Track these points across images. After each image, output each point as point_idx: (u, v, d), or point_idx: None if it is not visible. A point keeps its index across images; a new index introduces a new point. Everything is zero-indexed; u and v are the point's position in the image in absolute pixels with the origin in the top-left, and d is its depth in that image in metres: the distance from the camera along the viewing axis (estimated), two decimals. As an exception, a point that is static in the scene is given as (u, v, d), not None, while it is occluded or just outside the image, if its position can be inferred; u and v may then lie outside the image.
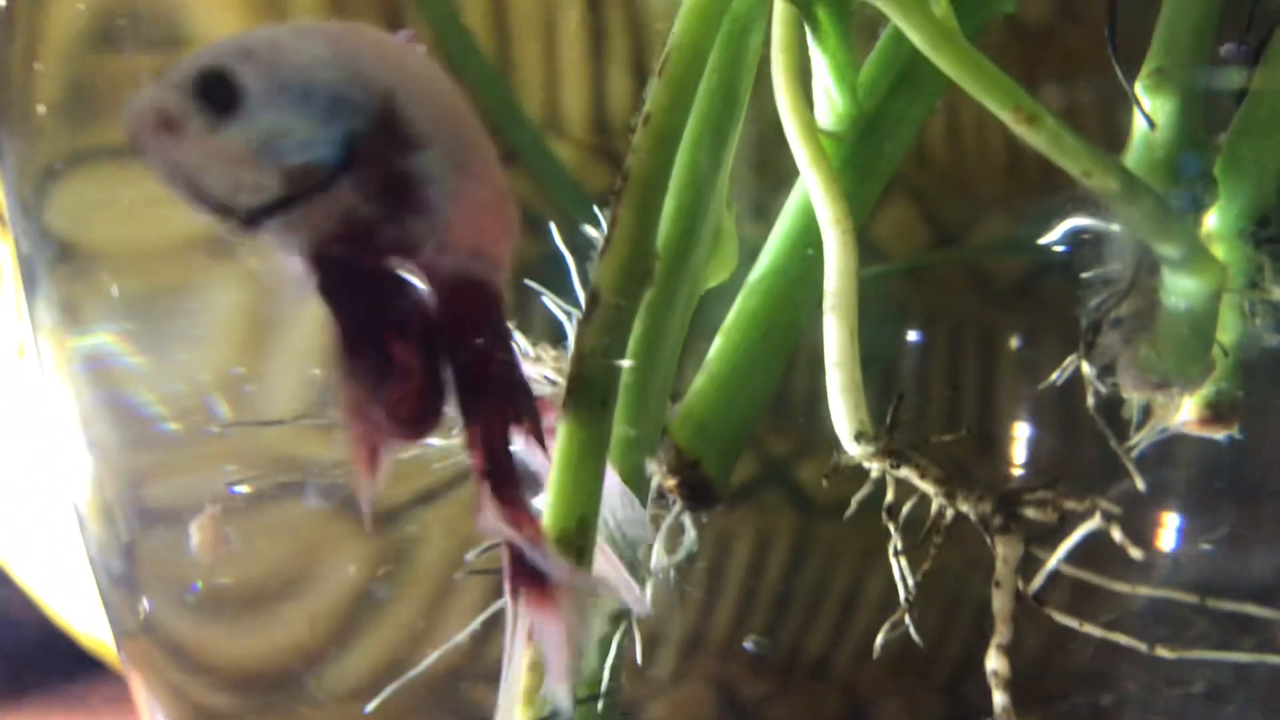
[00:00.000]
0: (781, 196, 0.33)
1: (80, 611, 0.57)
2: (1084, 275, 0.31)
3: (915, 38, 0.26)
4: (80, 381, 0.40)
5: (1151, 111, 0.29)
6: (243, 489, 0.37)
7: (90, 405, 0.40)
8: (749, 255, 0.33)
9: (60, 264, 0.40)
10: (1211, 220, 0.30)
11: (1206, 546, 0.34)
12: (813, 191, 0.30)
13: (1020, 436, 0.39)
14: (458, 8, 0.38)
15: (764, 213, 0.35)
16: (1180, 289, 0.28)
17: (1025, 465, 0.38)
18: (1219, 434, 0.32)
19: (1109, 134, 0.32)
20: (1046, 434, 0.38)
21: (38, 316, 0.41)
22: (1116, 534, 0.25)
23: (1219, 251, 0.29)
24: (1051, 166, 0.27)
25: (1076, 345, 0.31)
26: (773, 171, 0.34)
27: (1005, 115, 0.25)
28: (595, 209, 0.31)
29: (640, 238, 0.26)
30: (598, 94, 0.39)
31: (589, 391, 0.25)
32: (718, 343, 0.31)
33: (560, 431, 0.25)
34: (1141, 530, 0.36)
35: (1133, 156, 0.29)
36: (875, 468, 0.28)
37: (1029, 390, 0.38)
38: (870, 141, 0.31)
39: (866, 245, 0.33)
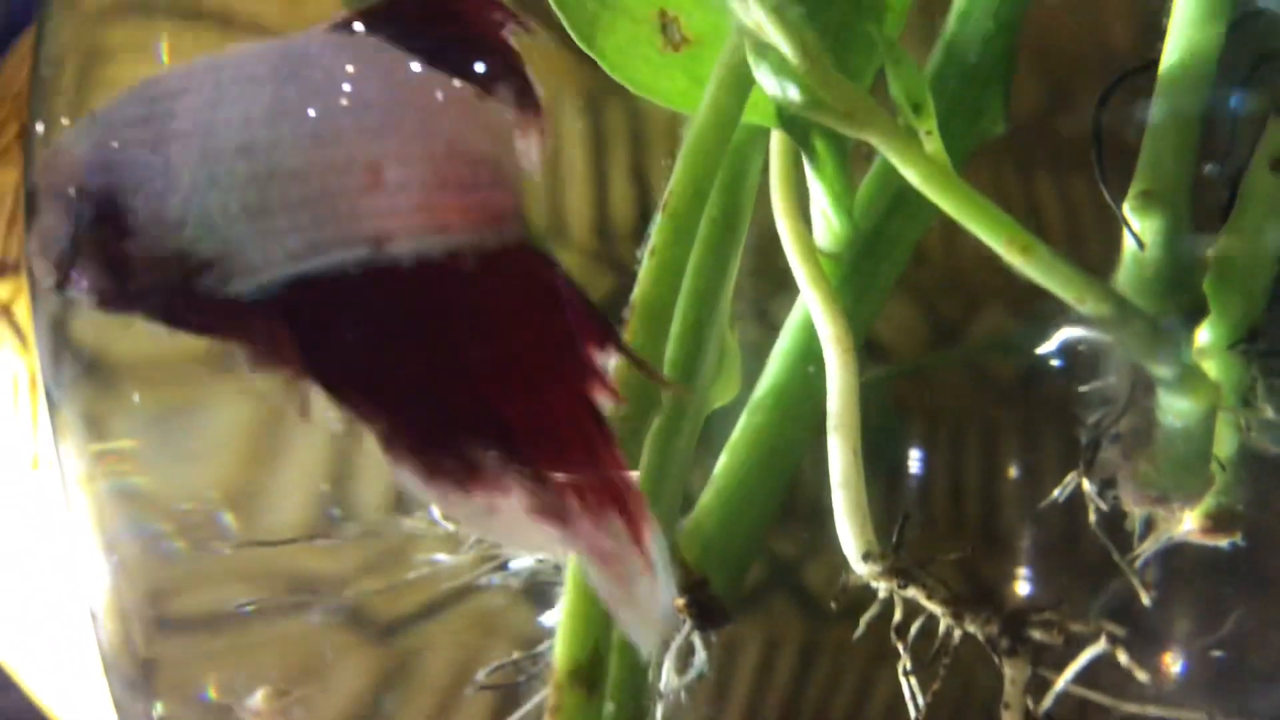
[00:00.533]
0: (780, 298, 0.34)
1: (83, 717, 0.57)
2: (1081, 389, 0.31)
3: (909, 175, 0.27)
4: (100, 493, 0.40)
5: (1140, 233, 0.29)
6: (250, 609, 0.37)
7: (109, 516, 0.40)
8: (750, 360, 0.34)
9: (85, 375, 0.41)
10: (1203, 335, 0.30)
11: (1217, 654, 0.35)
12: (813, 310, 0.31)
13: (1027, 532, 0.39)
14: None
15: (765, 315, 0.35)
16: (1175, 409, 0.28)
17: (1031, 563, 0.38)
18: (1222, 541, 0.32)
19: (1101, 215, 0.33)
20: (1052, 530, 0.38)
21: (59, 427, 0.42)
22: (1123, 657, 0.25)
23: (1211, 368, 0.29)
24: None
25: (1079, 439, 0.32)
26: (772, 275, 0.35)
27: (999, 247, 0.26)
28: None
29: (647, 366, 0.26)
30: (600, 200, 0.40)
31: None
32: (723, 460, 0.32)
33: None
34: (1148, 634, 0.36)
35: (1123, 277, 0.29)
36: (883, 587, 0.28)
37: (1033, 489, 0.38)
38: (868, 261, 0.32)
39: (867, 343, 0.34)
